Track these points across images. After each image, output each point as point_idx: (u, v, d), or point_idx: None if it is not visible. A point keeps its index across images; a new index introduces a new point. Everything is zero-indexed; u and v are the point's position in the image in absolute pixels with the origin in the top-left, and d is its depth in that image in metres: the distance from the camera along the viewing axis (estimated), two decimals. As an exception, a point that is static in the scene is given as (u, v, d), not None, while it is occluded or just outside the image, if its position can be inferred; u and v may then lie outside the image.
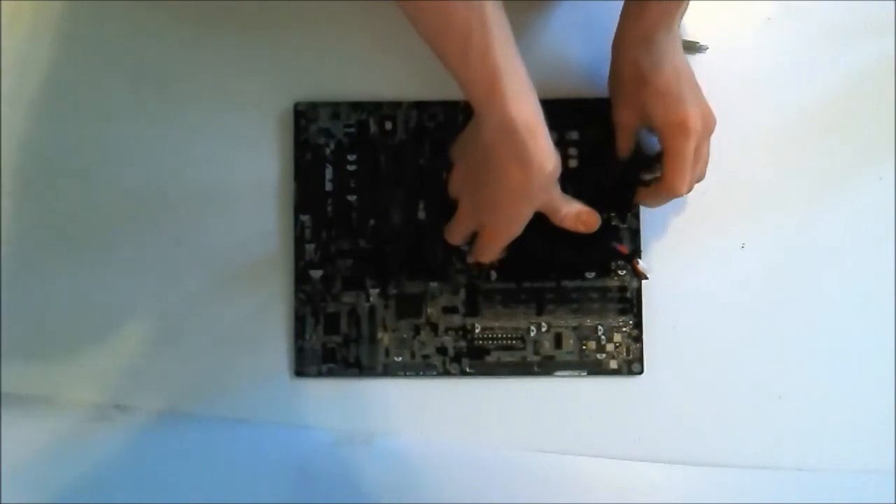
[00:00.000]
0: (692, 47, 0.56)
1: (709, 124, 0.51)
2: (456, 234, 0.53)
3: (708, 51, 0.56)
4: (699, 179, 0.52)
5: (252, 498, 0.54)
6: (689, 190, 0.51)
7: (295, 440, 0.55)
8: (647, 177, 0.54)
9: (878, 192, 0.56)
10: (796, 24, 0.57)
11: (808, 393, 0.55)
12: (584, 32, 0.57)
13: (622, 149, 0.54)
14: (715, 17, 0.57)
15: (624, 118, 0.53)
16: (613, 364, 0.55)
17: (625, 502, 0.54)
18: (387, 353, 0.55)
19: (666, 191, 0.51)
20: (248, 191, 0.56)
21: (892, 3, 0.57)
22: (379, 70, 0.57)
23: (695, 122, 0.50)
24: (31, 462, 0.55)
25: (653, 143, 0.54)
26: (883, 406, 0.55)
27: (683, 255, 0.56)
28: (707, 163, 0.52)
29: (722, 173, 0.56)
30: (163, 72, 0.57)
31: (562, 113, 0.56)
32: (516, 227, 0.49)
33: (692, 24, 0.56)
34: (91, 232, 0.56)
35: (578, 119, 0.56)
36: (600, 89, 0.54)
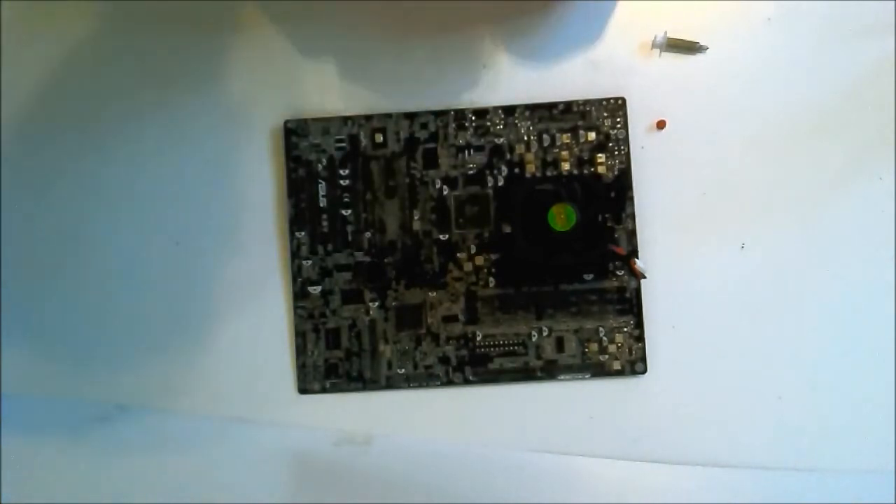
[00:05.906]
0: (692, 47, 0.56)
1: None
2: None
3: (708, 51, 0.56)
4: None
5: (252, 498, 0.54)
6: None
7: (295, 440, 0.55)
8: None
9: (878, 192, 0.56)
10: (796, 24, 0.57)
11: (808, 393, 0.55)
12: (583, 34, 0.56)
13: None
14: (715, 17, 0.57)
15: None
16: (617, 365, 0.55)
17: (626, 502, 0.54)
18: (389, 365, 0.55)
19: None
20: (244, 211, 0.56)
21: (893, 3, 0.57)
22: (367, 83, 0.57)
23: None
24: (31, 462, 0.55)
25: None
26: (883, 406, 0.55)
27: (683, 254, 0.56)
28: None
29: (722, 173, 0.56)
30: (157, 99, 0.57)
31: (556, 116, 0.56)
32: None
33: (692, 23, 0.56)
34: (91, 234, 0.56)
35: (572, 122, 0.56)
36: (595, 92, 0.54)
